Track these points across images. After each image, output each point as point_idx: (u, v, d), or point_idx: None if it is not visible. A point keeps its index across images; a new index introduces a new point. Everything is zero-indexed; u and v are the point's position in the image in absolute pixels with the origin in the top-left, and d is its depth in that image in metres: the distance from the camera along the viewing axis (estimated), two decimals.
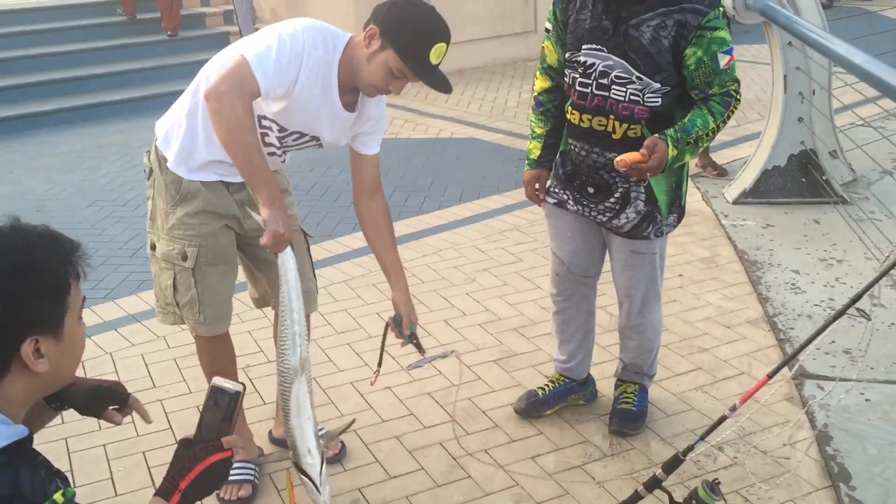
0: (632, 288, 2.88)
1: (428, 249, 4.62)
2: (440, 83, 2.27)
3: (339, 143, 2.53)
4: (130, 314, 3.95)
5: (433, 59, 2.23)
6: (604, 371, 3.35)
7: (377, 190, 2.60)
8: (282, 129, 2.39)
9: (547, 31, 2.77)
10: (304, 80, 2.25)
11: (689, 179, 5.33)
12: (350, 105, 2.39)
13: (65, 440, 3.00)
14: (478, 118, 7.43)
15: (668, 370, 3.37)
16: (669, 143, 2.45)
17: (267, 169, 2.19)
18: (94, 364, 3.51)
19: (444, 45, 2.24)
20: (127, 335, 3.75)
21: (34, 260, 1.38)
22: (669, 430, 3.00)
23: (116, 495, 2.73)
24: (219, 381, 1.76)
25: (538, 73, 2.88)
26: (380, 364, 2.61)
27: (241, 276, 2.80)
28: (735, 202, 5.11)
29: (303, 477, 2.14)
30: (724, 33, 2.50)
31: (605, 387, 3.23)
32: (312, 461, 2.12)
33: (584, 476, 2.77)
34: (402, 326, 2.58)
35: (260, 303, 2.85)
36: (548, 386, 3.14)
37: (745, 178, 5.18)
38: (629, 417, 2.98)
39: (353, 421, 2.66)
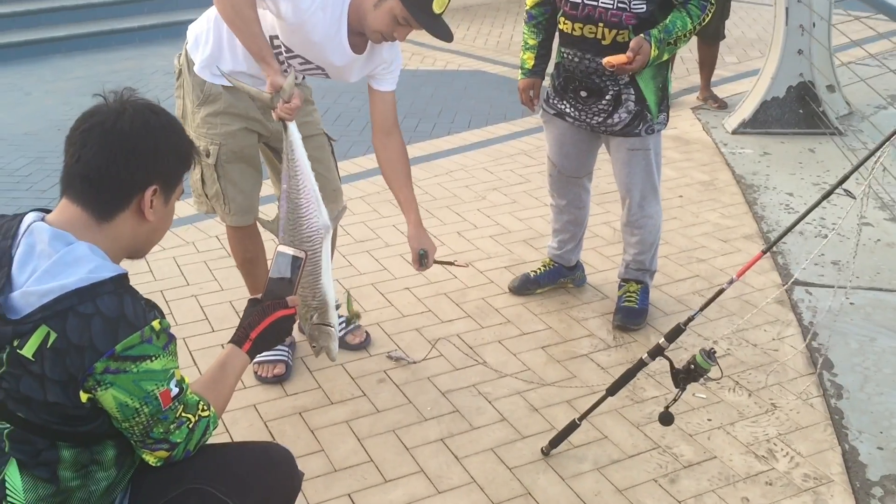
0: (630, 184, 3.13)
1: (439, 170, 4.82)
2: (442, 32, 2.41)
3: (346, 79, 2.68)
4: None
5: (436, 9, 2.38)
6: (607, 277, 3.59)
7: (394, 128, 2.75)
8: (288, 51, 2.54)
9: None
10: (312, 10, 2.40)
11: (692, 111, 5.55)
12: (357, 47, 2.55)
13: None
14: (484, 52, 7.56)
15: (668, 277, 3.61)
16: (653, 43, 2.77)
17: (268, 45, 2.35)
18: (129, 266, 3.72)
19: None
20: (180, 233, 3.96)
21: (178, 129, 1.68)
22: (669, 327, 3.23)
23: None
24: (283, 247, 1.99)
25: None
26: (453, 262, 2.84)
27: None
28: (734, 132, 5.31)
29: (326, 328, 2.38)
30: None
31: (610, 291, 3.48)
32: (335, 312, 2.39)
33: (589, 363, 3.03)
34: (413, 259, 2.77)
35: None
36: (539, 269, 3.48)
37: (745, 110, 5.37)
38: (632, 314, 3.23)
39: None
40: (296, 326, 3.21)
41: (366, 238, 3.97)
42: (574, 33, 2.93)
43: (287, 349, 2.99)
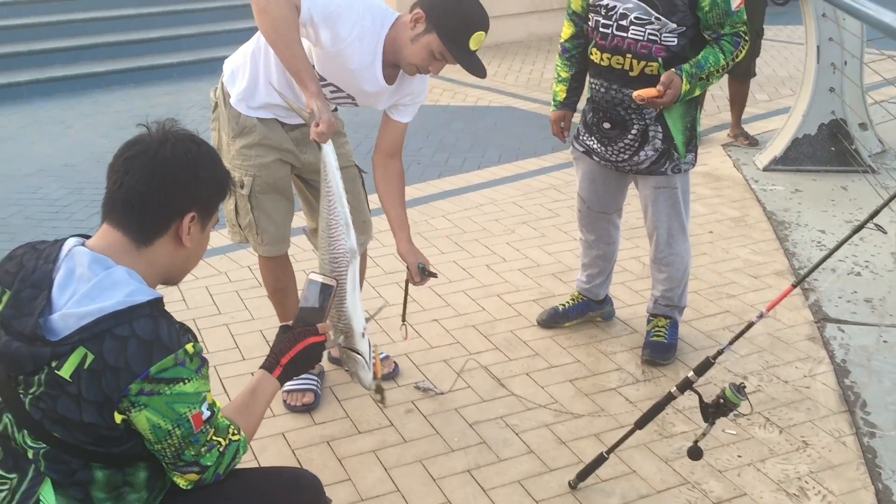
0: (657, 221, 3.14)
1: (469, 204, 4.86)
2: (476, 68, 2.46)
3: (374, 106, 2.74)
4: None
5: (472, 46, 2.44)
6: (636, 311, 3.59)
7: (397, 153, 2.80)
8: (321, 79, 2.59)
9: None
10: (350, 40, 2.46)
11: (722, 148, 5.55)
12: (389, 78, 2.60)
13: None
14: (514, 89, 7.63)
15: (698, 312, 3.60)
16: (684, 77, 2.79)
17: (309, 66, 2.39)
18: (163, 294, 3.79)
19: (483, 33, 2.44)
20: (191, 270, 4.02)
21: (218, 159, 1.75)
22: (698, 362, 3.21)
23: None
24: (314, 275, 2.03)
25: (565, 20, 3.16)
26: (403, 319, 2.84)
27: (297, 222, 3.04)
28: (765, 169, 5.30)
29: (355, 355, 2.39)
30: None
31: (639, 325, 3.47)
32: (364, 341, 2.39)
33: (618, 397, 3.02)
34: (413, 273, 2.76)
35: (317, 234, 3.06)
36: (568, 303, 3.48)
37: (776, 147, 5.36)
38: (661, 348, 3.21)
39: (384, 305, 2.80)
40: (325, 355, 3.25)
41: (395, 269, 4.00)
42: (602, 63, 2.97)
43: (316, 378, 3.01)
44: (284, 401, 2.94)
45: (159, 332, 1.54)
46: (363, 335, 2.38)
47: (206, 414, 1.61)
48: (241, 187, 2.74)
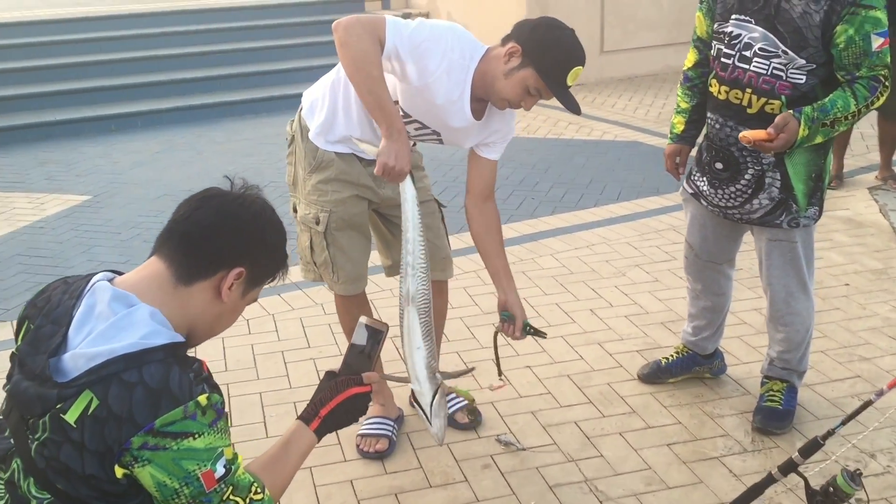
0: (772, 277, 2.81)
1: (580, 243, 4.62)
2: (572, 104, 2.35)
3: (460, 144, 2.60)
4: (294, 282, 4.19)
5: (569, 81, 2.33)
6: (751, 370, 3.24)
7: (490, 194, 2.63)
8: (406, 116, 2.47)
9: (701, 1, 2.75)
10: (438, 74, 2.34)
11: (868, 192, 5.06)
12: (477, 112, 2.47)
13: (226, 385, 3.25)
14: (643, 123, 7.32)
15: (823, 375, 3.21)
16: (803, 121, 2.42)
17: (389, 101, 2.27)
18: (258, 323, 3.77)
19: (580, 68, 2.33)
20: (289, 300, 3.99)
21: (284, 237, 1.71)
22: (820, 433, 2.86)
23: (267, 437, 2.93)
24: (366, 319, 1.89)
25: (690, 46, 2.88)
26: (500, 372, 2.65)
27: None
28: None
29: (415, 405, 2.25)
30: (880, 13, 2.41)
31: (753, 386, 3.13)
32: (421, 389, 2.25)
33: (720, 468, 2.70)
34: (516, 326, 2.58)
35: (391, 271, 2.92)
36: (672, 356, 3.17)
37: None
38: (774, 415, 2.87)
39: (473, 369, 2.71)
40: (408, 399, 3.09)
41: (493, 309, 3.79)
42: (719, 97, 2.68)
43: (392, 423, 2.86)
44: (357, 445, 2.81)
45: (169, 381, 1.44)
46: (419, 380, 2.25)
47: (220, 472, 1.48)
48: (317, 223, 2.65)
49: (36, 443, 1.46)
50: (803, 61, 2.50)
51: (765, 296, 2.91)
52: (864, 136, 6.41)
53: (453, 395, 2.91)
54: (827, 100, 2.47)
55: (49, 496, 1.48)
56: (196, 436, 1.44)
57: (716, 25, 2.68)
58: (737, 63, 2.60)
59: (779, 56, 2.52)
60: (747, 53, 2.57)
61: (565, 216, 5.06)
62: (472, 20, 9.21)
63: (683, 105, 2.92)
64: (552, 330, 3.63)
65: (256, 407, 3.11)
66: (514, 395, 3.14)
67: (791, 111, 2.47)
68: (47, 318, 1.52)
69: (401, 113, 2.48)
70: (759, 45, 2.54)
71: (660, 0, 9.13)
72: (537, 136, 6.80)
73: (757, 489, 2.06)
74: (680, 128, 2.94)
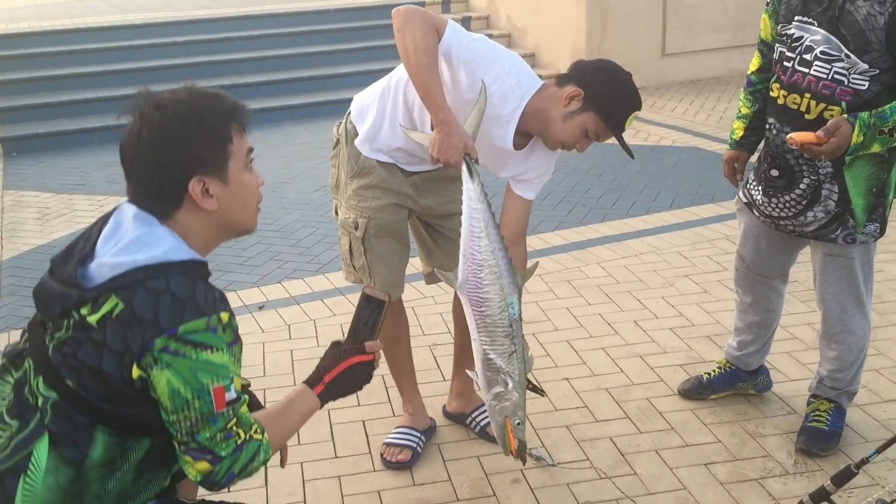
0: (826, 293, 2.68)
1: (628, 251, 4.52)
2: (627, 148, 2.38)
3: (496, 170, 2.57)
4: (337, 287, 4.22)
5: (626, 125, 2.35)
6: (799, 388, 3.12)
7: (521, 238, 2.57)
8: None
9: (767, 3, 2.65)
10: (490, 93, 2.30)
11: None
12: (519, 145, 2.45)
13: (263, 391, 3.27)
14: (703, 128, 7.15)
15: (875, 395, 3.07)
16: (857, 126, 2.29)
17: (441, 93, 2.24)
18: (299, 328, 3.79)
19: (637, 113, 2.37)
20: (331, 305, 4.01)
21: (195, 110, 1.58)
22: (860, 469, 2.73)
23: (300, 443, 2.93)
24: (369, 290, 1.89)
25: (755, 49, 2.79)
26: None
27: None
28: None
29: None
30: None
31: (799, 405, 3.01)
32: (479, 382, 2.24)
33: (759, 490, 2.60)
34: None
35: (431, 279, 2.89)
36: (715, 371, 3.08)
37: None
38: (819, 437, 2.75)
39: (543, 392, 2.52)
40: (442, 409, 3.06)
41: (535, 319, 3.76)
42: (779, 101, 2.58)
43: (419, 434, 2.84)
44: (381, 454, 2.80)
45: (195, 293, 1.49)
46: (479, 377, 2.22)
47: (232, 395, 1.52)
48: (356, 228, 2.65)
49: (55, 341, 1.52)
50: (866, 66, 2.38)
51: (819, 310, 2.79)
52: None
53: (483, 408, 2.87)
54: (887, 106, 2.36)
55: (55, 394, 1.52)
56: (215, 349, 1.48)
57: (779, 28, 2.59)
58: (797, 66, 2.50)
59: (841, 60, 2.41)
60: (808, 56, 2.47)
61: (615, 224, 4.97)
62: (531, 23, 9.14)
63: (744, 110, 2.82)
64: (593, 341, 3.56)
65: None
66: (549, 408, 3.08)
67: (846, 116, 2.37)
68: (81, 237, 1.62)
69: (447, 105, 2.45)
70: (820, 49, 2.44)
71: (725, 1, 8.90)
72: None
73: None
74: (739, 133, 2.84)
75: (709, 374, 3.09)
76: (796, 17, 2.50)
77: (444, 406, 3.07)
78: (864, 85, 2.40)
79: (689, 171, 5.98)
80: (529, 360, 2.23)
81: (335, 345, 1.85)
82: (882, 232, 2.63)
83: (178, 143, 1.56)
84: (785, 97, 2.55)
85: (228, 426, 1.52)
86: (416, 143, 2.45)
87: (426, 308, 3.88)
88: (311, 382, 1.76)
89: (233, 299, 4.11)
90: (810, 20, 2.46)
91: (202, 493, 1.81)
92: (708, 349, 3.46)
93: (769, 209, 2.69)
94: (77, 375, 1.50)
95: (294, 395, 1.74)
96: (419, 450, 2.81)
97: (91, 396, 1.50)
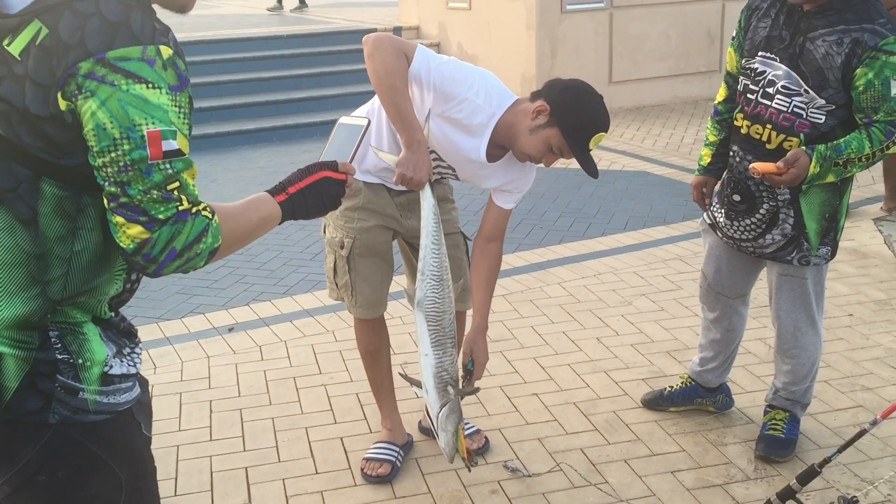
0: (781, 310, 2.87)
1: (587, 272, 4.69)
2: (590, 167, 2.42)
3: (477, 183, 2.68)
4: (305, 309, 4.28)
5: (591, 145, 2.40)
6: (755, 399, 3.29)
7: (497, 237, 2.70)
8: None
9: (732, 38, 2.84)
10: (456, 111, 2.42)
11: (873, 223, 5.10)
12: (492, 157, 2.54)
13: (239, 411, 3.32)
14: (651, 153, 7.40)
15: (826, 405, 3.26)
16: (814, 158, 2.48)
17: (411, 113, 2.34)
18: (270, 349, 3.84)
19: (603, 134, 2.41)
20: (300, 327, 4.07)
21: None
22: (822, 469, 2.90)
23: (279, 461, 2.99)
24: (344, 118, 1.85)
25: (722, 81, 2.97)
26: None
27: None
28: None
29: (429, 416, 2.34)
30: None
31: (756, 415, 3.18)
32: (429, 400, 2.32)
33: (723, 495, 2.75)
34: (462, 364, 2.61)
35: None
36: (676, 385, 3.23)
37: None
38: (777, 444, 2.92)
39: (477, 389, 2.68)
40: (417, 425, 3.15)
41: (501, 338, 3.88)
42: (742, 130, 2.75)
43: (397, 449, 2.92)
44: (362, 469, 2.88)
45: (130, 19, 1.30)
46: (426, 389, 2.32)
47: (171, 146, 1.31)
48: (342, 248, 2.74)
49: None
50: (823, 101, 2.56)
51: (773, 327, 2.96)
52: (871, 168, 6.47)
53: (466, 422, 2.97)
54: (842, 140, 2.53)
55: None
56: (150, 86, 1.29)
57: (743, 61, 2.76)
58: (759, 99, 2.67)
59: (800, 95, 2.58)
60: (770, 90, 2.64)
61: (573, 245, 5.14)
62: (481, 52, 9.35)
63: (711, 138, 2.98)
64: (558, 358, 3.70)
65: (269, 432, 3.18)
66: (521, 422, 3.20)
67: (804, 147, 2.54)
68: None
69: (420, 127, 2.56)
70: (782, 83, 2.61)
71: (668, 32, 9.25)
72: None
73: None
74: (707, 160, 2.99)
75: (671, 387, 3.25)
76: (760, 53, 2.68)
77: (420, 422, 3.16)
78: (821, 119, 2.58)
79: (640, 194, 6.20)
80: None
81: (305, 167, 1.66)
82: (833, 254, 2.81)
83: None
84: (748, 127, 2.72)
85: (168, 186, 1.32)
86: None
87: (395, 328, 3.96)
88: (272, 192, 1.56)
89: (201, 322, 4.15)
90: (773, 56, 2.64)
91: None
92: (668, 364, 3.63)
93: (731, 231, 2.86)
94: (6, 121, 1.32)
95: (253, 198, 1.53)
96: (398, 464, 2.89)
97: (27, 146, 1.33)
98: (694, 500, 2.73)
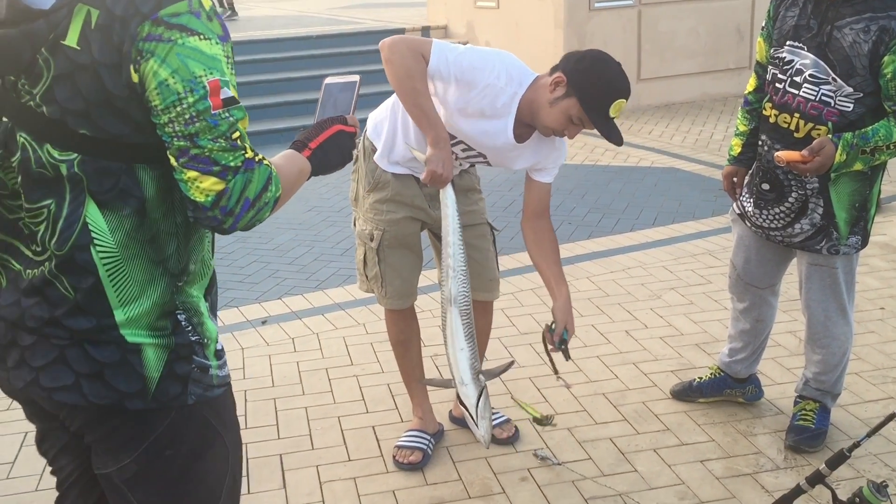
0: (811, 300, 2.87)
1: (616, 266, 4.70)
2: (614, 135, 2.39)
3: (509, 166, 2.70)
4: (336, 303, 4.34)
5: (612, 113, 2.38)
6: (785, 391, 3.30)
7: (544, 213, 2.72)
8: (452, 137, 2.57)
9: (762, 28, 2.86)
10: (480, 100, 2.46)
11: None
12: (521, 137, 2.56)
13: (273, 400, 3.38)
14: (680, 150, 7.39)
15: (857, 396, 3.26)
16: (840, 146, 2.49)
17: (433, 112, 2.39)
18: (303, 341, 3.91)
19: (623, 101, 2.39)
20: (332, 320, 4.13)
21: None
22: (852, 453, 2.90)
23: (313, 448, 3.05)
24: (330, 79, 1.83)
25: (752, 71, 2.99)
26: (556, 371, 2.72)
27: None
28: None
29: (462, 407, 2.36)
30: None
31: (787, 406, 3.19)
32: (467, 392, 2.35)
33: (753, 484, 2.76)
34: (555, 334, 2.61)
35: None
36: (706, 376, 3.24)
37: None
38: (807, 434, 2.92)
39: (512, 362, 2.75)
40: (448, 415, 3.20)
41: (530, 331, 3.91)
42: (770, 119, 2.77)
43: (429, 437, 2.97)
44: (394, 457, 2.92)
45: None
46: (464, 382, 2.35)
47: (228, 93, 1.33)
48: (371, 240, 2.79)
49: (39, 95, 1.32)
50: (851, 89, 2.57)
51: (804, 317, 2.97)
52: None
53: (497, 412, 3.02)
54: (869, 128, 2.54)
55: (75, 154, 1.33)
56: (202, 37, 1.31)
57: (772, 51, 2.78)
58: (787, 88, 2.69)
59: (828, 83, 2.60)
60: (798, 79, 2.66)
61: (601, 240, 5.16)
62: (509, 48, 9.33)
63: (742, 128, 2.99)
64: (588, 350, 3.72)
65: (302, 420, 3.24)
66: (550, 412, 3.22)
67: (830, 136, 2.56)
68: None
69: (443, 126, 2.61)
70: (809, 72, 2.63)
71: (697, 29, 9.22)
72: (574, 162, 6.90)
73: (785, 500, 2.13)
74: (737, 150, 3.00)
75: (700, 378, 3.26)
76: (788, 42, 2.69)
77: (451, 411, 3.20)
78: (849, 107, 2.59)
79: (669, 190, 6.20)
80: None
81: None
82: (864, 244, 2.81)
83: None
84: (776, 116, 2.74)
85: (233, 135, 1.34)
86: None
87: (425, 321, 4.01)
88: (297, 148, 1.59)
89: (235, 315, 4.23)
90: (801, 45, 2.66)
91: None
92: (697, 356, 3.64)
93: (760, 220, 2.87)
94: (87, 119, 1.31)
95: (286, 153, 1.57)
96: (430, 452, 2.94)
97: (114, 136, 1.32)
98: (723, 488, 2.75)
